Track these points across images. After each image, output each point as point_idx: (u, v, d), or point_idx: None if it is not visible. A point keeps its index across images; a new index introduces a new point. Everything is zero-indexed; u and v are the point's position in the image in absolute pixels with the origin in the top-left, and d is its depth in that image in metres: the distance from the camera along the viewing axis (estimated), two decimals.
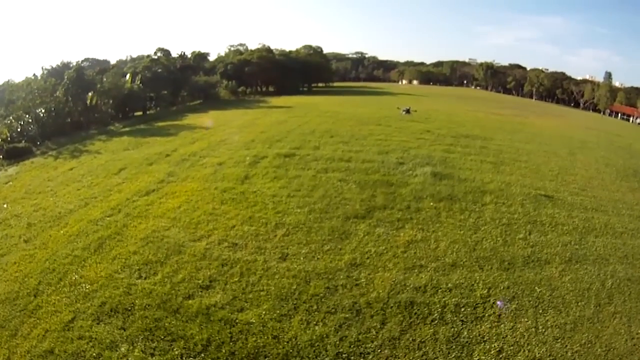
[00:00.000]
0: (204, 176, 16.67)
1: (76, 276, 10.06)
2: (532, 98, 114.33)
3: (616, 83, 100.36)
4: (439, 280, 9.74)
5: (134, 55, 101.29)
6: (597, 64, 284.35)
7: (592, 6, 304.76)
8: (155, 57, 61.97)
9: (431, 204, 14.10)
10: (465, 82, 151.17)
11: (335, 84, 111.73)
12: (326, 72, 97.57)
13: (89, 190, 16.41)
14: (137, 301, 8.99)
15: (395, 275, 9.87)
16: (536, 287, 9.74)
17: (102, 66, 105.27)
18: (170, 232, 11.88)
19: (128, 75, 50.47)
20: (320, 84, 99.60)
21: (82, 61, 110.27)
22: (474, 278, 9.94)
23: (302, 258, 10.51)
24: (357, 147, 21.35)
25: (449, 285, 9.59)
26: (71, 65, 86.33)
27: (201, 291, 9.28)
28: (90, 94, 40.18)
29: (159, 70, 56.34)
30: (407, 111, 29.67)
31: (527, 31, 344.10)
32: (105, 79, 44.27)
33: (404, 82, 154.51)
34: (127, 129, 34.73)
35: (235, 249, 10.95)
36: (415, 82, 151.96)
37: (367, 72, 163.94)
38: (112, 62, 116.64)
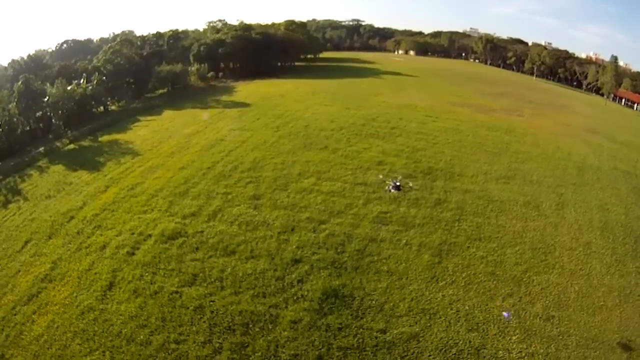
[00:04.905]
0: (79, 275, 15.95)
1: None
2: (532, 75, 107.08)
3: (621, 63, 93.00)
4: None
5: (117, 32, 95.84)
6: (600, 40, 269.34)
7: None
8: (117, 47, 55.96)
9: None
10: (463, 54, 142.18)
11: (326, 55, 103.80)
12: (310, 48, 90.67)
13: None
14: None
15: None
16: None
17: (84, 47, 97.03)
18: None
19: (83, 78, 46.28)
20: (309, 55, 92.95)
21: (62, 43, 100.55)
22: None
23: None
24: (265, 210, 17.78)
25: None
26: (45, 55, 78.84)
27: None
28: (44, 102, 38.23)
29: (121, 62, 51.99)
30: (397, 187, 20.33)
31: (532, 3, 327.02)
32: (54, 89, 39.98)
33: (400, 52, 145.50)
34: (71, 146, 33.91)
35: None
36: (411, 52, 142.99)
37: (362, 41, 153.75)
38: (95, 40, 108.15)
